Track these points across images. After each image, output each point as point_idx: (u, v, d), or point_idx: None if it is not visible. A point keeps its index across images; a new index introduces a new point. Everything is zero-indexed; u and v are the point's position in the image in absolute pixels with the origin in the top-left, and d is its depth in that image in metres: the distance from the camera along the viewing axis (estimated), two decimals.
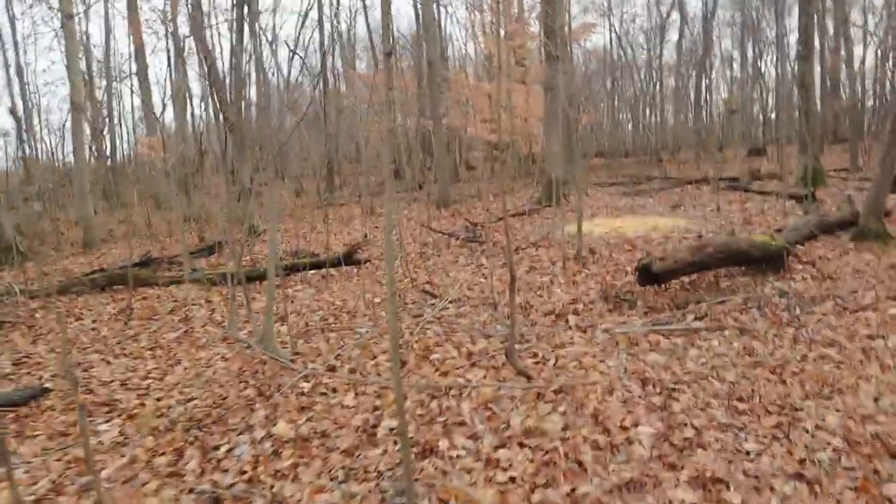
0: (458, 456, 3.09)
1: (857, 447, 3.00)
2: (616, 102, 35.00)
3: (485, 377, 4.13)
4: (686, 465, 2.84)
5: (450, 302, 6.18)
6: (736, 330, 4.78)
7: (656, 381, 3.81)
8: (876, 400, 3.52)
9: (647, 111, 34.59)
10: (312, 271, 8.66)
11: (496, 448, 3.13)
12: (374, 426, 3.52)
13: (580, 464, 2.91)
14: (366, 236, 10.62)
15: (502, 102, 22.47)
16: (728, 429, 3.18)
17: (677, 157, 26.84)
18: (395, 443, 3.29)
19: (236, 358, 4.93)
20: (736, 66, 35.50)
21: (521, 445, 3.12)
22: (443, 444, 3.22)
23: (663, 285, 5.77)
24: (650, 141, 31.51)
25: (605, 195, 15.25)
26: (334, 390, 4.12)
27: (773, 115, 33.68)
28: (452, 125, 22.71)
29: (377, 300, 6.62)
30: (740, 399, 3.53)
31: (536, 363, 4.35)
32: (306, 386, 4.22)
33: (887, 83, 28.61)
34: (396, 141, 28.26)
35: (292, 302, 6.83)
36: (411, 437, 3.35)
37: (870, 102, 29.60)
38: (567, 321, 5.29)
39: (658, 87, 34.47)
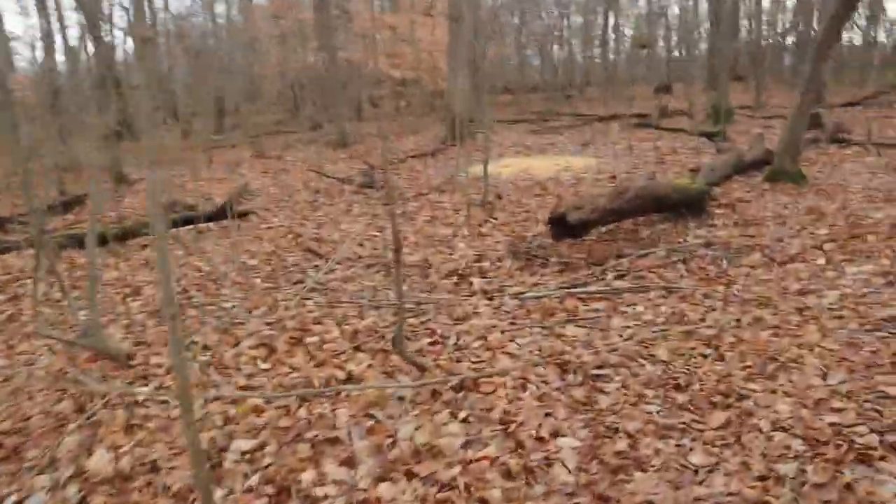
0: (325, 497, 2.30)
1: (820, 450, 2.43)
2: (523, 37, 34.17)
3: (370, 366, 3.33)
4: (622, 498, 2.17)
5: (338, 263, 5.31)
6: (662, 290, 4.19)
7: (577, 366, 3.14)
8: (824, 377, 2.99)
9: (555, 46, 34.04)
10: (187, 227, 7.53)
11: (377, 480, 2.36)
12: (222, 450, 2.68)
13: None
14: (246, 185, 9.42)
15: (405, 35, 21.15)
16: (669, 433, 2.54)
17: (585, 94, 26.48)
18: (247, 475, 2.47)
19: (60, 354, 3.90)
20: (642, 2, 35.31)
21: (410, 475, 2.36)
22: (307, 476, 2.42)
23: (579, 237, 5.11)
24: (558, 77, 31.04)
25: (512, 133, 14.53)
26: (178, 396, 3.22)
27: (677, 53, 33.90)
28: (353, 59, 21.25)
29: (254, 262, 5.65)
30: (678, 387, 2.90)
31: (433, 343, 3.59)
32: (145, 391, 3.29)
33: (780, 22, 29.17)
34: (291, 77, 26.45)
35: (151, 270, 5.76)
36: (268, 465, 2.53)
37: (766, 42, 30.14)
38: (471, 284, 4.55)
39: (566, 22, 33.83)
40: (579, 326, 3.71)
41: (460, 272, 4.82)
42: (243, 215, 7.61)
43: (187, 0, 25.46)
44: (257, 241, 6.52)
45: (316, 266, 5.35)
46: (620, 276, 4.49)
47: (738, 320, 3.69)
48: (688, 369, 3.08)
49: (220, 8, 28.44)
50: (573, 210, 4.85)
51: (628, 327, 3.66)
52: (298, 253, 5.75)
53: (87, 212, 9.04)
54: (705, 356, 3.23)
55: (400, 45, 21.12)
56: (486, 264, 4.93)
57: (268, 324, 4.07)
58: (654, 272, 4.52)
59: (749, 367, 3.08)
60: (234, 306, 4.48)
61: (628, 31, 34.75)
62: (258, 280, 5.09)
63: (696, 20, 29.72)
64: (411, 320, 3.97)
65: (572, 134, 13.69)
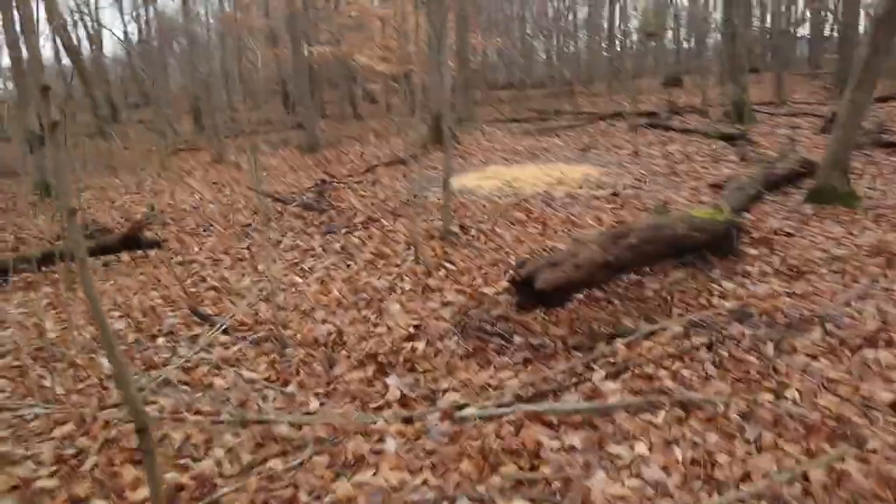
0: None
1: None
2: (528, 30, 32.46)
3: None
4: None
5: (224, 332, 3.81)
6: (677, 406, 2.66)
7: None
8: None
9: (561, 38, 32.26)
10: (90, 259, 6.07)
11: None
12: None
13: None
14: (151, 208, 7.80)
15: (398, 26, 19.59)
16: None
17: (590, 89, 24.73)
18: None
19: None
20: None
21: None
22: None
23: (557, 306, 3.57)
24: (562, 72, 29.33)
25: (505, 134, 12.94)
26: None
27: (686, 44, 32.08)
28: (339, 53, 19.70)
29: (119, 324, 4.15)
30: None
31: None
32: None
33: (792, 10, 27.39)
34: (279, 73, 24.95)
35: None
36: None
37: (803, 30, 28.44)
38: (386, 386, 3.04)
39: (573, 16, 32.08)
40: (535, 491, 2.19)
41: (381, 357, 3.30)
42: (151, 245, 6.12)
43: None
44: (149, 284, 5.03)
45: (194, 337, 3.85)
46: (613, 375, 2.96)
47: (804, 477, 2.18)
48: None
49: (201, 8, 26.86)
50: (547, 269, 3.32)
51: (619, 500, 2.14)
52: (182, 313, 4.24)
53: None
54: None
55: (389, 37, 19.58)
56: (420, 345, 3.40)
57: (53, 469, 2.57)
58: (664, 367, 2.99)
59: None
60: (35, 413, 2.98)
61: (635, 22, 33.02)
62: (103, 362, 3.59)
63: (707, 9, 27.97)
64: (272, 462, 2.47)
65: (571, 136, 12.09)
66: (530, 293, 3.34)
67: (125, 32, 28.74)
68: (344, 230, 5.96)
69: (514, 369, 3.12)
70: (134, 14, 26.03)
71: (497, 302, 3.78)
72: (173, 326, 4.04)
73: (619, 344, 3.19)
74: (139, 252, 6.00)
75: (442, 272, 4.52)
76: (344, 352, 3.43)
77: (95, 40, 26.71)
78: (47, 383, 3.36)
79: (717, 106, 13.12)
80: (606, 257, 3.49)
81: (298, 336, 3.65)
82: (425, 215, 6.34)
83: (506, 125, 14.47)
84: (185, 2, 19.09)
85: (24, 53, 9.51)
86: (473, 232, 5.48)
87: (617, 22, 29.73)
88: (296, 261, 5.25)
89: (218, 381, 3.24)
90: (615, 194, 6.83)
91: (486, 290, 4.08)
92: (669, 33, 33.20)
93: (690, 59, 26.99)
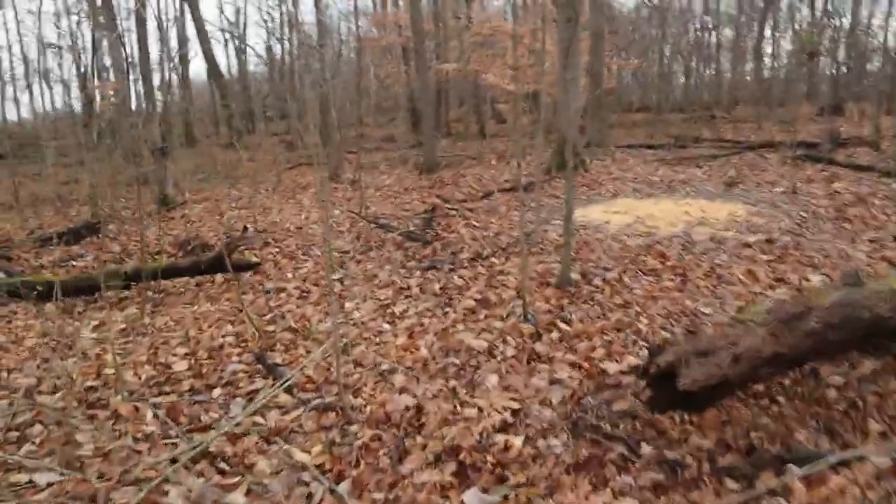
0: None
1: None
2: (667, 52, 30.66)
3: None
4: None
5: (286, 389, 3.21)
6: None
7: None
8: None
9: (702, 61, 30.20)
10: (182, 279, 5.83)
11: None
12: None
13: None
14: (245, 228, 7.43)
15: (529, 44, 18.90)
16: None
17: (732, 114, 22.74)
18: None
19: None
20: (805, 9, 30.67)
21: None
22: None
23: (703, 408, 2.66)
24: (702, 96, 27.30)
25: (638, 162, 11.84)
26: None
27: (846, 68, 29.01)
28: (467, 71, 19.30)
29: (180, 365, 3.67)
30: None
31: None
32: None
33: None
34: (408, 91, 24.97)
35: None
36: None
37: None
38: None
39: (715, 36, 29.97)
40: None
41: (464, 453, 2.55)
42: (244, 268, 5.75)
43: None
44: (229, 315, 4.59)
45: (253, 393, 3.28)
46: None
47: None
48: None
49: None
50: (693, 360, 2.43)
51: None
52: (246, 360, 3.70)
53: (97, 244, 7.61)
54: None
55: (520, 55, 18.94)
56: (517, 441, 2.61)
57: None
58: None
59: None
60: (45, 484, 2.48)
61: (785, 45, 30.37)
62: (145, 414, 3.09)
63: (869, 28, 25.11)
64: None
65: (713, 167, 10.82)
66: (669, 390, 2.46)
67: (268, 48, 29.85)
68: (448, 267, 5.28)
69: (640, 497, 2.26)
70: (278, 36, 27.03)
71: (621, 388, 2.91)
72: (234, 375, 3.51)
73: (795, 476, 2.25)
74: (232, 273, 5.64)
75: (554, 334, 3.70)
76: (420, 438, 2.71)
77: (240, 58, 28.07)
78: (80, 437, 2.90)
79: (892, 138, 11.35)
80: (777, 348, 2.55)
81: (369, 409, 2.97)
82: (542, 255, 5.54)
83: (640, 151, 13.33)
84: (320, 21, 19.49)
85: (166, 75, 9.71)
86: (597, 282, 4.61)
87: (767, 42, 27.45)
88: (387, 301, 4.61)
89: (261, 464, 2.61)
90: (770, 241, 5.71)
91: (608, 365, 3.22)
92: (825, 54, 30.28)
93: (850, 85, 24.31)
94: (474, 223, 6.95)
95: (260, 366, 3.55)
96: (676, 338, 3.03)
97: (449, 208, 7.60)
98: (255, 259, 6.08)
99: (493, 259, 5.48)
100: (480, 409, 2.89)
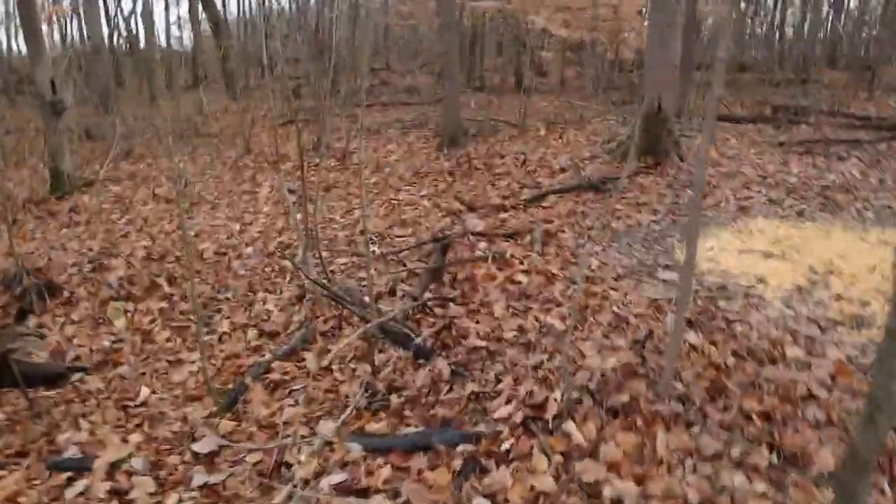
0: None
1: None
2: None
3: None
4: None
5: None
6: None
7: None
8: None
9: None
10: None
11: None
12: None
13: None
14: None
15: None
16: None
17: (829, 80, 17.84)
18: None
19: None
20: None
21: None
22: None
23: None
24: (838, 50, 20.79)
25: (745, 145, 8.32)
26: None
27: None
28: (507, 10, 15.61)
29: None
30: None
31: None
32: None
33: None
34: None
35: None
36: None
37: None
38: None
39: None
40: None
41: None
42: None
43: None
44: None
45: None
46: None
47: None
48: None
49: None
50: None
51: None
52: None
53: None
54: None
55: None
56: None
57: None
58: None
59: None
60: None
61: None
62: None
63: None
64: None
65: (867, 159, 7.34)
66: None
67: None
68: (468, 450, 2.14)
69: None
70: None
71: None
72: None
73: None
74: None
75: None
76: None
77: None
78: None
79: None
80: None
81: None
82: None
83: (737, 128, 9.72)
84: None
85: None
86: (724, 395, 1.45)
87: None
88: None
89: None
90: None
91: None
92: None
93: None
94: (517, 277, 3.69)
95: None
96: None
97: (474, 237, 4.38)
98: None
99: (571, 422, 2.30)
100: None
